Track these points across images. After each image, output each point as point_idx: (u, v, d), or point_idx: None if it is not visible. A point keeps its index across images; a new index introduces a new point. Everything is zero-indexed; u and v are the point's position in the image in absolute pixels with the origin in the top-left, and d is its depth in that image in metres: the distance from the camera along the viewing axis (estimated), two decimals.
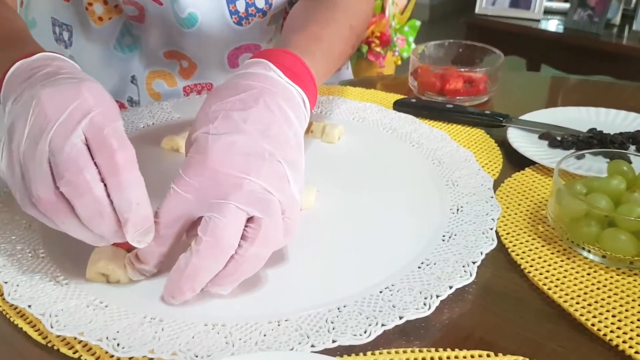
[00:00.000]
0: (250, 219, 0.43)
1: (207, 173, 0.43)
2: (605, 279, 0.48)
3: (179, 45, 0.80)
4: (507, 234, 0.54)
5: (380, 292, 0.45)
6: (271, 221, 0.44)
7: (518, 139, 0.69)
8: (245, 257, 0.43)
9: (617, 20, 2.31)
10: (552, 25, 2.41)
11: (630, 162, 0.58)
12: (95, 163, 0.42)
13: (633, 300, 0.46)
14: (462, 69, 0.82)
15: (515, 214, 0.57)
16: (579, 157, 0.62)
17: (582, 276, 0.49)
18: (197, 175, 0.44)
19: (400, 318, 0.42)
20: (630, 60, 2.23)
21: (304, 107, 0.51)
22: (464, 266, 0.47)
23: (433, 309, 0.43)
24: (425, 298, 0.44)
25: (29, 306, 0.44)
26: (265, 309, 0.44)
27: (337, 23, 0.65)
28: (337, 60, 0.64)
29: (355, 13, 0.69)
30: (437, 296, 0.44)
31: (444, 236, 0.52)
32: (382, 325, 0.42)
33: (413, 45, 2.26)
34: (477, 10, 2.51)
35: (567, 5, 2.41)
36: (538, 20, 2.42)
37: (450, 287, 0.45)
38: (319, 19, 0.65)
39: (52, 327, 0.42)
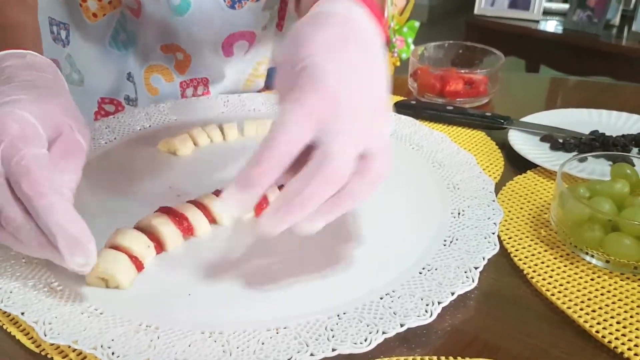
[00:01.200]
0: (361, 155, 0.42)
1: (323, 102, 0.41)
2: (609, 284, 0.48)
3: (174, 36, 0.79)
4: (509, 238, 0.53)
5: (381, 298, 0.44)
6: (381, 154, 0.43)
7: (519, 141, 0.68)
8: (353, 190, 0.42)
9: (617, 21, 2.31)
10: (552, 25, 2.41)
11: (633, 165, 0.58)
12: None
13: (638, 307, 0.45)
14: (462, 71, 0.82)
15: (517, 217, 0.56)
16: (582, 160, 0.61)
17: (586, 281, 0.48)
18: (313, 105, 0.41)
19: (402, 325, 0.41)
20: (629, 60, 2.22)
21: (382, 44, 0.47)
22: (465, 272, 0.47)
23: (435, 316, 0.42)
24: (427, 305, 0.43)
25: (22, 313, 0.43)
26: (263, 316, 0.43)
27: None
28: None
29: None
30: (439, 303, 0.43)
31: (445, 241, 0.51)
32: (383, 333, 0.41)
33: (412, 47, 2.24)
34: (476, 11, 2.50)
35: (566, 6, 2.41)
36: (537, 21, 2.42)
37: (452, 294, 0.44)
38: None
39: (45, 335, 0.41)
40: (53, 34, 0.83)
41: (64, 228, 0.41)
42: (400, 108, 0.76)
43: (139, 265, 0.47)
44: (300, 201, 0.40)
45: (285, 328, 0.42)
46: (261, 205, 0.54)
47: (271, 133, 0.41)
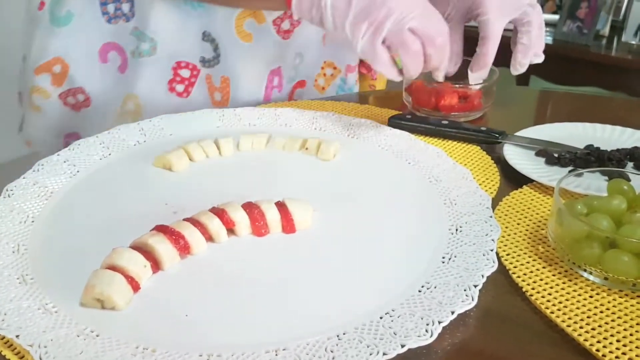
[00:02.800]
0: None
1: (499, 3, 0.75)
2: (608, 302, 0.48)
3: None
4: (508, 254, 0.53)
5: (381, 317, 0.44)
6: (535, 4, 0.78)
7: (515, 156, 0.68)
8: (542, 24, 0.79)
9: (606, 31, 2.33)
10: None
11: (629, 180, 0.58)
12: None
13: (637, 324, 0.45)
14: (457, 85, 0.82)
15: (515, 233, 0.56)
16: (578, 175, 0.61)
17: (585, 299, 0.48)
18: (496, 7, 0.75)
19: (402, 346, 0.41)
20: (619, 71, 2.25)
21: None
22: (465, 290, 0.46)
23: (435, 336, 0.42)
24: (427, 324, 0.43)
25: (17, 336, 0.42)
26: (262, 338, 0.43)
27: None
28: None
29: None
30: (439, 322, 0.43)
31: (443, 258, 0.51)
32: (384, 354, 0.40)
33: None
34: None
35: (556, 17, 2.43)
36: None
37: (452, 313, 0.44)
38: None
39: (41, 359, 0.40)
40: (108, 15, 0.82)
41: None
42: (395, 122, 0.76)
43: (135, 286, 0.47)
44: (532, 45, 0.78)
45: (284, 350, 0.41)
46: (260, 226, 0.54)
47: (485, 36, 0.76)
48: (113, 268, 0.47)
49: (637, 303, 0.47)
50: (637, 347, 0.43)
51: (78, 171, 0.65)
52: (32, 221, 0.56)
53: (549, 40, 2.38)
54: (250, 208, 0.54)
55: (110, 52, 0.85)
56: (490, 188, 0.64)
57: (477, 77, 0.79)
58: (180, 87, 0.86)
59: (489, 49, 0.75)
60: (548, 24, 2.47)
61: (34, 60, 0.85)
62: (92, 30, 0.83)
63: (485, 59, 0.76)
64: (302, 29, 0.89)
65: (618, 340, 0.44)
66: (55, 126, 0.89)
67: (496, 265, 0.49)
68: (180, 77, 0.86)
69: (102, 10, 0.83)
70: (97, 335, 0.43)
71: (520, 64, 0.77)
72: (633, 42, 2.23)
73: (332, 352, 0.41)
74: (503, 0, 0.74)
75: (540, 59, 0.78)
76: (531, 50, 0.76)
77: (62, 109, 0.87)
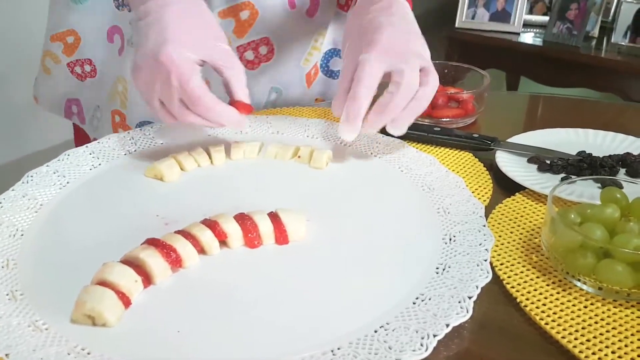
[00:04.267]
0: (420, 71, 0.64)
1: (387, 43, 0.64)
2: (603, 312, 0.47)
3: None
4: (501, 264, 0.53)
5: (375, 331, 0.44)
6: (432, 70, 0.65)
7: (507, 163, 0.68)
8: (422, 96, 0.64)
9: (596, 32, 2.34)
10: (532, 38, 2.43)
11: (621, 188, 0.58)
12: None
13: (632, 335, 0.45)
14: (449, 92, 0.82)
15: (509, 242, 0.56)
16: (570, 183, 0.61)
17: (579, 309, 0.48)
18: (380, 45, 0.64)
19: None
20: (608, 72, 2.25)
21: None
22: (459, 301, 0.46)
23: (431, 350, 0.42)
24: (422, 338, 0.43)
25: (7, 355, 0.41)
26: (255, 354, 0.42)
27: None
28: None
29: None
30: (434, 335, 0.43)
31: (437, 268, 0.51)
32: None
33: None
34: (457, 24, 2.52)
35: (546, 19, 2.43)
36: (518, 34, 2.44)
37: (447, 325, 0.44)
38: None
39: None
40: (117, 1, 0.87)
41: (227, 122, 0.64)
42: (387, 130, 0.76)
43: (126, 301, 0.46)
44: (390, 108, 0.63)
45: None
46: (253, 238, 0.53)
47: (358, 76, 0.63)
48: (103, 283, 0.46)
49: (632, 313, 0.47)
50: (632, 359, 0.43)
51: (68, 182, 0.64)
52: (22, 235, 0.55)
53: (539, 41, 2.39)
54: (243, 219, 0.54)
55: (115, 35, 0.89)
56: (483, 196, 0.64)
57: (348, 130, 0.64)
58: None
59: (359, 91, 0.63)
60: (538, 25, 2.48)
61: (52, 28, 0.92)
62: (103, 11, 0.89)
63: (355, 105, 0.63)
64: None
65: (613, 352, 0.44)
66: (60, 90, 0.95)
67: (490, 275, 0.49)
68: None
69: None
70: (89, 353, 0.42)
71: (370, 122, 0.64)
72: (623, 43, 2.24)
73: None
74: (392, 45, 0.64)
75: (397, 131, 0.65)
76: (386, 115, 0.63)
77: (69, 76, 0.93)
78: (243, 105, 0.65)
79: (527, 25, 2.48)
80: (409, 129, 0.75)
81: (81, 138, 1.00)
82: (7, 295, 0.48)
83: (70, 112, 0.96)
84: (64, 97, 0.96)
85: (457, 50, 2.54)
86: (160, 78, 0.60)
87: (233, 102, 0.65)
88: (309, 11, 0.86)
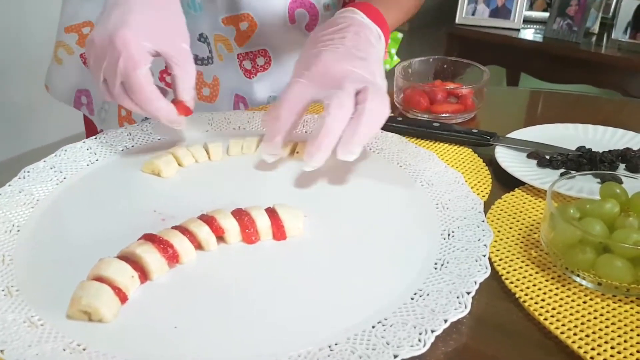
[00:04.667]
0: (358, 92, 0.59)
1: (323, 67, 0.62)
2: (602, 307, 0.47)
3: (243, 3, 0.83)
4: (500, 260, 0.53)
5: (373, 327, 0.43)
6: (374, 90, 0.59)
7: (506, 158, 0.68)
8: (363, 112, 0.58)
9: (596, 29, 2.34)
10: (532, 34, 2.43)
11: (621, 183, 0.58)
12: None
13: (631, 330, 0.45)
14: (449, 87, 0.81)
15: (507, 238, 0.55)
16: (570, 178, 0.61)
17: (578, 304, 0.47)
18: (315, 69, 0.62)
19: (395, 357, 0.40)
20: (608, 68, 2.25)
21: (380, 39, 0.69)
22: (458, 297, 0.46)
23: (428, 345, 0.41)
24: (420, 334, 0.42)
25: (2, 351, 0.41)
26: (252, 349, 0.42)
27: None
28: (405, 13, 0.81)
29: None
30: (432, 331, 0.42)
31: (436, 264, 0.51)
32: None
33: (395, 57, 2.25)
34: (457, 20, 2.52)
35: (546, 15, 2.43)
36: (518, 30, 2.44)
37: (446, 321, 0.43)
38: None
39: None
40: None
41: (163, 118, 0.63)
42: (386, 125, 0.76)
43: (122, 297, 0.46)
44: (325, 132, 0.58)
45: None
46: (250, 234, 0.53)
47: (281, 98, 0.62)
48: (100, 279, 0.46)
49: (631, 309, 0.47)
50: (631, 354, 0.43)
51: (65, 178, 0.64)
52: (18, 230, 0.55)
53: (539, 38, 2.38)
54: (240, 215, 0.54)
55: None
56: (482, 191, 0.63)
57: (266, 150, 0.63)
58: (169, 79, 0.86)
59: (279, 113, 0.62)
60: (538, 21, 2.48)
61: (67, 19, 0.92)
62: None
63: (273, 126, 0.62)
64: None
65: (612, 347, 0.43)
66: (71, 80, 0.96)
67: (489, 271, 0.49)
68: None
69: None
70: (84, 349, 0.42)
71: (309, 153, 0.59)
72: (623, 40, 2.23)
73: None
74: (327, 70, 0.62)
75: (347, 155, 0.58)
76: (322, 141, 0.58)
77: (80, 66, 0.94)
78: (183, 106, 0.65)
79: (527, 21, 2.48)
80: (408, 124, 0.75)
81: (91, 131, 1.00)
82: (3, 290, 0.47)
83: (79, 103, 0.97)
84: (75, 88, 0.97)
85: (457, 47, 2.54)
86: (110, 58, 0.60)
87: (175, 102, 0.65)
88: (308, 25, 0.86)
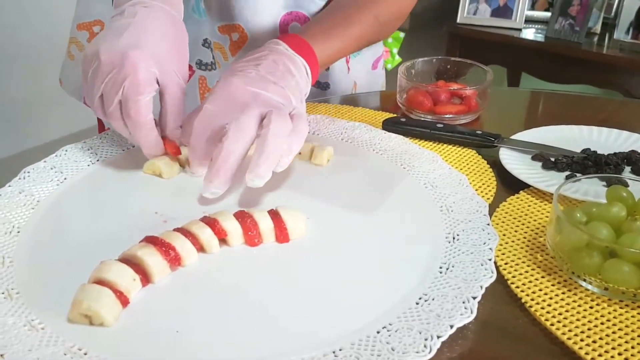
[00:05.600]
0: (264, 117, 0.58)
1: (229, 92, 0.60)
2: (609, 312, 0.47)
3: (235, 14, 0.83)
4: (506, 264, 0.52)
5: (378, 332, 0.43)
6: (280, 112, 0.57)
7: (511, 160, 0.67)
8: (266, 136, 0.55)
9: (598, 29, 2.33)
10: (534, 34, 2.42)
11: (627, 186, 0.57)
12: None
13: (638, 336, 0.44)
14: (452, 88, 0.81)
15: (513, 241, 0.55)
16: (575, 181, 0.60)
17: (585, 310, 0.47)
18: (222, 94, 0.60)
19: None
20: (610, 68, 2.25)
21: (305, 70, 0.66)
22: (464, 302, 0.45)
23: (434, 351, 0.41)
24: (426, 339, 0.42)
25: (2, 355, 0.41)
26: (255, 354, 0.41)
27: (361, 11, 0.77)
28: (354, 41, 0.77)
29: (384, 5, 0.80)
30: (438, 337, 0.42)
31: (440, 267, 0.50)
32: None
33: (397, 57, 2.24)
34: (458, 20, 2.51)
35: (548, 14, 2.42)
36: (519, 29, 2.43)
37: (451, 327, 0.43)
38: (346, 6, 0.78)
39: None
40: None
41: (147, 148, 0.63)
42: (389, 125, 0.75)
43: (124, 300, 0.45)
44: (224, 157, 0.56)
45: None
46: (253, 236, 0.52)
47: (188, 124, 0.62)
48: (101, 282, 0.45)
49: (638, 314, 0.46)
50: None
51: (65, 178, 0.63)
52: (18, 232, 0.54)
53: (541, 37, 2.38)
54: (243, 217, 0.53)
55: None
56: (487, 194, 0.63)
57: (209, 189, 0.58)
58: None
59: (191, 143, 0.61)
60: (540, 21, 2.47)
61: (79, 17, 0.93)
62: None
63: (195, 160, 0.62)
64: None
65: (620, 354, 0.43)
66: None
67: (495, 275, 0.48)
68: None
69: None
70: (85, 354, 0.41)
71: (205, 178, 0.58)
72: (625, 40, 2.23)
73: None
74: (232, 95, 0.60)
75: (255, 180, 0.56)
76: (215, 165, 0.57)
77: None
78: (173, 146, 0.64)
79: (528, 21, 2.47)
80: (411, 125, 0.75)
81: (103, 126, 1.00)
82: (3, 293, 0.47)
83: None
84: None
85: (458, 46, 2.53)
86: (115, 76, 0.59)
87: (165, 139, 0.64)
88: None
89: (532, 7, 2.51)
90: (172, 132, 0.64)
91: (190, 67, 0.88)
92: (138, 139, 0.62)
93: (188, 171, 0.64)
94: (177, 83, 0.64)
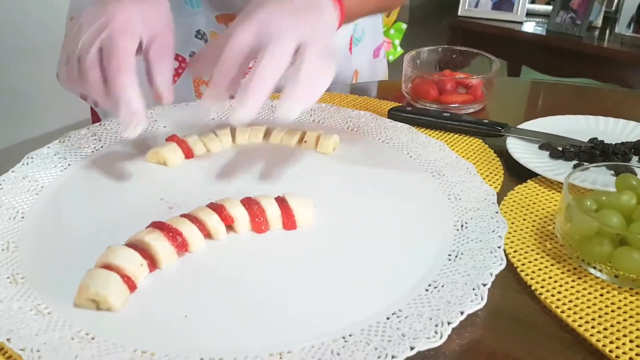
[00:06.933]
0: (299, 48, 0.55)
1: (265, 21, 0.55)
2: (619, 300, 0.46)
3: (235, 2, 0.81)
4: (515, 252, 0.52)
5: (388, 318, 0.43)
6: (319, 45, 0.55)
7: (518, 149, 0.67)
8: (302, 66, 0.53)
9: (599, 22, 2.32)
10: (535, 27, 2.42)
11: (636, 175, 0.57)
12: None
13: None
14: (458, 77, 0.80)
15: (522, 229, 0.55)
16: (584, 170, 0.60)
17: (595, 297, 0.47)
18: (256, 23, 0.55)
19: (412, 349, 0.39)
20: (611, 62, 2.24)
21: (333, 11, 0.62)
22: (474, 289, 0.45)
23: (445, 337, 0.41)
24: (436, 325, 0.41)
25: (8, 340, 0.40)
26: (265, 340, 0.41)
27: None
28: (375, 3, 0.78)
29: None
30: (449, 323, 0.42)
31: (450, 255, 0.50)
32: (393, 357, 0.39)
33: (399, 49, 2.23)
34: (459, 12, 2.50)
35: (549, 8, 2.41)
36: (521, 23, 2.42)
37: (462, 313, 0.43)
38: None
39: None
40: None
41: (127, 103, 0.54)
42: (395, 114, 0.75)
43: (131, 286, 0.45)
44: (258, 77, 0.52)
45: (289, 352, 0.40)
46: (260, 223, 0.52)
47: (223, 43, 0.55)
48: (108, 267, 0.45)
49: None
50: None
51: (69, 165, 0.62)
52: (22, 217, 0.54)
53: (542, 31, 2.37)
54: (250, 204, 0.53)
55: None
56: (494, 182, 0.62)
57: (210, 98, 0.56)
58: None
59: (221, 64, 0.55)
60: (541, 14, 2.46)
61: (72, 9, 0.93)
62: None
63: (219, 74, 0.55)
64: None
65: (631, 341, 0.43)
66: None
67: (504, 263, 0.48)
68: None
69: None
70: (93, 338, 0.41)
71: (235, 101, 0.54)
72: (626, 34, 2.22)
73: (338, 354, 0.39)
74: (267, 21, 0.56)
75: (281, 111, 0.54)
76: (247, 88, 0.53)
77: None
78: (186, 147, 0.62)
79: (530, 14, 2.46)
80: (417, 114, 0.74)
81: (97, 119, 0.99)
82: (8, 278, 0.46)
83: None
84: None
85: (459, 39, 2.52)
86: (94, 28, 0.55)
87: (175, 137, 0.63)
88: None
89: (533, 0, 2.50)
90: (163, 91, 0.58)
91: (183, 59, 0.87)
92: (117, 94, 0.54)
93: (205, 92, 0.56)
94: (164, 39, 0.59)
